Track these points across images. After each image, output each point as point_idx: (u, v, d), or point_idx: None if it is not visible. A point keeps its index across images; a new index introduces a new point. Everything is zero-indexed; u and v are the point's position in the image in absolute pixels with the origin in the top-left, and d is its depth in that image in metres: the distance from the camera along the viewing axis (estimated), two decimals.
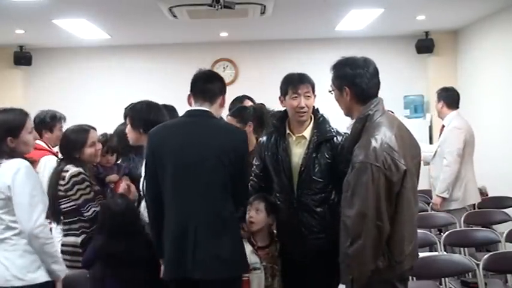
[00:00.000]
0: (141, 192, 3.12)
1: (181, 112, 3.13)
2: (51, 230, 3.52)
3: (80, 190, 3.21)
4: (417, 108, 7.41)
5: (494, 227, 4.95)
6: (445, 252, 4.07)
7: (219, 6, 4.74)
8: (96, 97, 7.61)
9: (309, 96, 2.98)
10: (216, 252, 2.60)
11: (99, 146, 3.41)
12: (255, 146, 3.44)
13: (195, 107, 2.78)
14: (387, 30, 7.13)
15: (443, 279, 3.69)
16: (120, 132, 3.68)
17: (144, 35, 7.04)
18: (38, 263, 2.69)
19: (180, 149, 2.66)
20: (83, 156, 3.31)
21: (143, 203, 3.11)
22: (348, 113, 2.56)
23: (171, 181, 2.65)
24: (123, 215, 3.06)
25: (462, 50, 7.25)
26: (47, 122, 4.13)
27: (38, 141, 4.03)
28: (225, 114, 3.74)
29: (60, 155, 3.55)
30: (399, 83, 7.24)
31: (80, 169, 3.25)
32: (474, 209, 5.06)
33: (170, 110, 3.59)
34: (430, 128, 7.32)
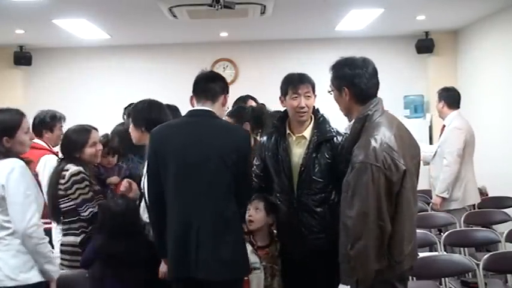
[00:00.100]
0: (142, 191, 3.12)
1: (182, 112, 3.13)
2: (51, 230, 3.55)
3: (79, 189, 3.22)
4: (417, 108, 7.41)
5: (494, 227, 4.95)
6: (445, 252, 4.07)
7: (219, 6, 4.74)
8: (96, 97, 7.61)
9: (309, 96, 2.98)
10: (219, 253, 2.60)
11: (100, 146, 3.42)
12: (252, 146, 3.44)
13: (197, 106, 2.78)
14: (387, 30, 7.13)
15: (443, 279, 3.69)
16: (120, 133, 3.68)
17: (144, 35, 7.04)
18: (31, 263, 2.69)
19: (182, 148, 2.66)
20: (84, 156, 3.32)
21: (142, 204, 3.12)
22: (347, 113, 2.55)
23: (173, 181, 2.65)
24: (124, 215, 3.06)
25: (462, 50, 7.25)
26: (47, 122, 4.14)
27: (38, 141, 4.03)
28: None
29: (60, 155, 3.55)
30: (399, 83, 7.24)
31: (80, 168, 3.25)
32: (474, 209, 5.06)
33: (173, 110, 3.59)
34: (430, 128, 7.32)
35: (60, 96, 7.35)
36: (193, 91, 2.80)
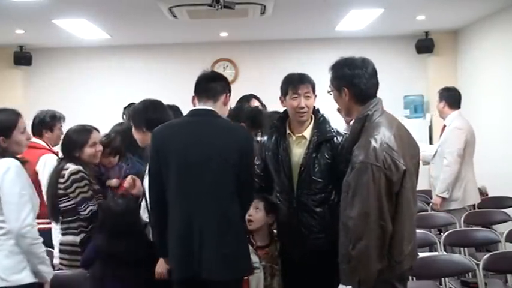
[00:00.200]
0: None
1: (183, 113, 3.12)
2: (50, 230, 3.55)
3: (78, 188, 3.22)
4: (417, 108, 7.41)
5: (494, 227, 4.95)
6: (445, 252, 4.07)
7: (219, 6, 4.74)
8: (96, 97, 7.61)
9: (309, 96, 2.98)
10: (221, 253, 2.59)
11: (100, 147, 3.42)
12: None
13: (199, 106, 2.78)
14: (387, 30, 7.13)
15: (443, 279, 3.69)
16: (122, 132, 3.68)
17: (144, 35, 7.04)
18: (24, 264, 2.68)
19: (184, 148, 2.66)
20: (83, 155, 3.32)
21: (143, 203, 3.12)
22: (347, 113, 2.55)
23: (175, 180, 2.65)
24: (124, 215, 3.06)
25: (462, 50, 7.25)
26: (47, 121, 4.14)
27: (38, 141, 4.04)
28: None
29: (60, 154, 3.56)
30: (399, 83, 7.24)
31: (79, 167, 3.26)
32: (474, 209, 5.06)
33: (175, 110, 3.59)
34: (430, 128, 7.31)
35: (60, 96, 7.35)
36: (195, 91, 2.80)
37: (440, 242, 4.04)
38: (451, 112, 4.87)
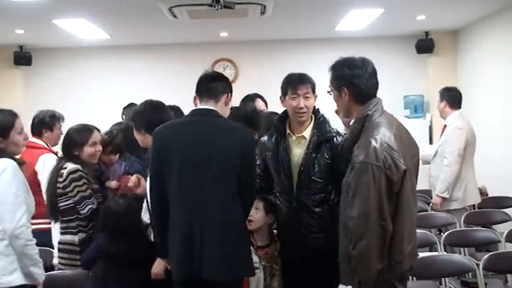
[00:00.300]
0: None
1: (184, 113, 3.12)
2: (50, 230, 3.55)
3: (77, 187, 3.23)
4: (417, 108, 7.40)
5: (494, 227, 4.95)
6: (445, 252, 4.07)
7: (219, 6, 4.74)
8: (96, 97, 7.61)
9: (308, 97, 2.98)
10: (222, 253, 2.59)
11: (100, 147, 3.42)
12: None
13: (200, 106, 2.78)
14: (387, 30, 7.13)
15: (443, 279, 3.69)
16: (122, 131, 3.69)
17: (144, 35, 7.04)
18: (15, 265, 2.66)
19: (185, 147, 2.65)
20: (83, 154, 3.33)
21: (144, 205, 3.11)
22: (347, 113, 2.55)
23: (177, 180, 2.64)
24: (125, 215, 3.07)
25: (462, 50, 7.25)
26: (47, 121, 4.14)
27: (38, 141, 4.04)
28: None
29: (60, 154, 3.56)
30: (399, 83, 7.24)
31: (78, 166, 3.27)
32: (474, 209, 5.06)
33: (176, 110, 3.59)
34: (430, 128, 7.31)
35: (60, 96, 7.35)
36: (196, 91, 2.80)
37: (440, 242, 4.04)
38: (451, 112, 4.87)
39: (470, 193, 4.80)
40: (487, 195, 5.93)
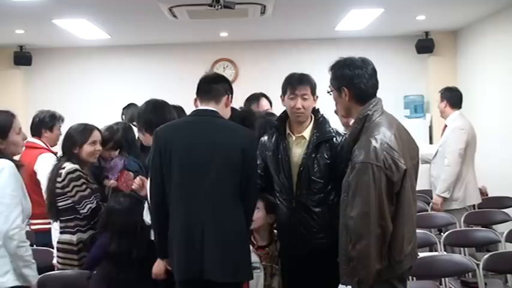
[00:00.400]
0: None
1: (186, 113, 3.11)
2: (49, 230, 3.55)
3: (76, 187, 3.23)
4: (417, 108, 7.40)
5: (494, 227, 4.95)
6: (445, 252, 4.07)
7: (219, 6, 4.73)
8: (96, 97, 7.60)
9: (306, 98, 2.98)
10: (224, 254, 2.59)
11: (99, 147, 3.42)
12: None
13: (201, 107, 2.77)
14: (387, 30, 7.12)
15: (443, 279, 3.69)
16: (123, 129, 3.70)
17: (144, 35, 7.04)
18: (7, 267, 2.65)
19: (186, 148, 2.65)
20: (82, 153, 3.34)
21: (146, 206, 3.11)
22: (347, 113, 2.55)
23: (177, 180, 2.64)
24: (128, 213, 3.07)
25: (462, 50, 7.25)
26: (47, 121, 4.14)
27: (37, 141, 4.05)
28: None
29: (59, 153, 3.56)
30: (399, 83, 7.23)
31: (77, 166, 3.27)
32: (474, 209, 5.06)
33: (178, 110, 3.59)
34: (430, 128, 7.31)
35: (60, 96, 7.34)
36: (197, 92, 2.81)
37: (440, 242, 4.04)
38: (452, 112, 4.87)
39: (470, 193, 4.79)
40: (487, 195, 5.92)
